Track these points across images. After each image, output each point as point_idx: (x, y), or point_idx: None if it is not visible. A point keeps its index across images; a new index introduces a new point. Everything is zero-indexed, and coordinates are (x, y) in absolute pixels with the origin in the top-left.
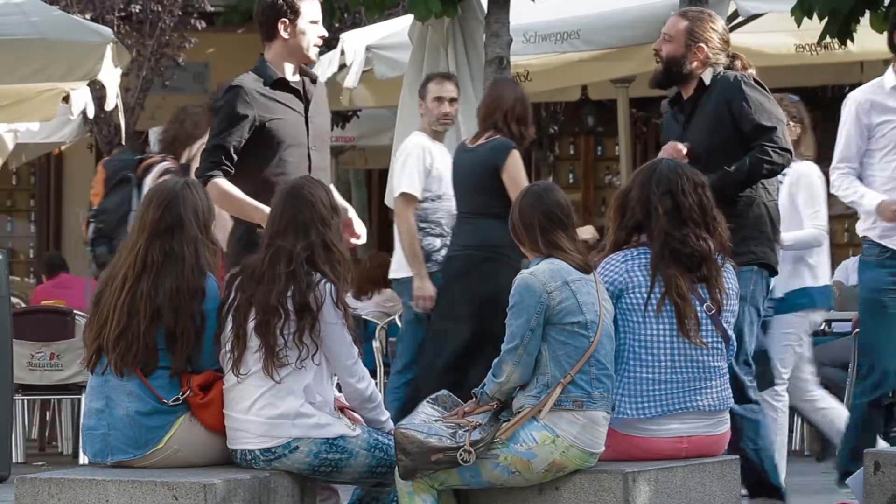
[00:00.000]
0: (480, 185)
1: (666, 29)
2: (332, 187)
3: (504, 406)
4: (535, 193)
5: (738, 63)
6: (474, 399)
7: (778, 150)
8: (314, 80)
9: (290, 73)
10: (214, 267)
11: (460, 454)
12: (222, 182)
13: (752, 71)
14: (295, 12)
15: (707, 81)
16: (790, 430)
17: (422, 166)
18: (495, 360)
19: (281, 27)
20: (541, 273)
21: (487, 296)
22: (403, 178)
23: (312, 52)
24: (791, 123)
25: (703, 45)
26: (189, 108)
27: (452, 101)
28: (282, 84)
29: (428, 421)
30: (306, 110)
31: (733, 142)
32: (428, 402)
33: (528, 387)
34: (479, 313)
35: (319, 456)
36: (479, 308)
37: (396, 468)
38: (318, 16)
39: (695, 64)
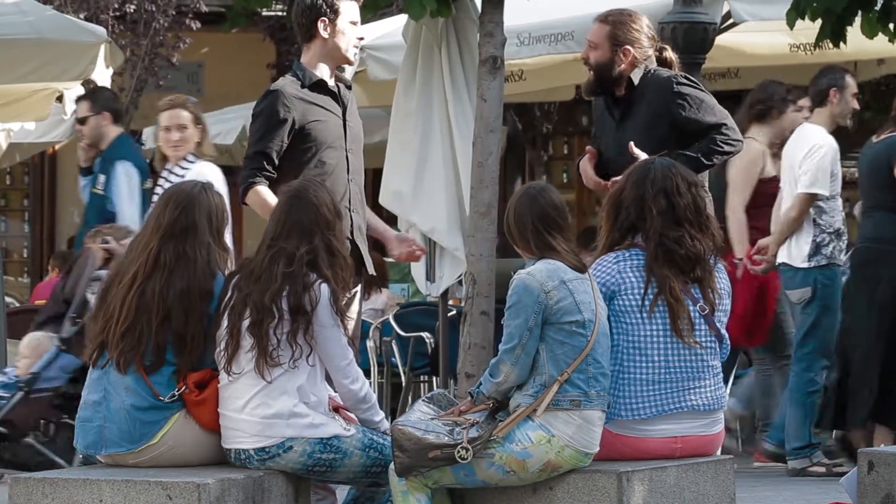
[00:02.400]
0: (876, 179)
1: (590, 36)
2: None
3: (500, 406)
4: (531, 195)
5: (666, 55)
6: (470, 398)
7: (730, 142)
8: (349, 87)
9: (327, 75)
10: (226, 268)
11: (458, 451)
12: (263, 190)
13: (674, 62)
14: (335, 12)
15: (636, 80)
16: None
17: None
18: (492, 360)
19: (321, 26)
20: (538, 273)
21: (885, 287)
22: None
23: (351, 53)
24: (190, 126)
25: (628, 46)
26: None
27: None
28: (320, 86)
29: (424, 419)
30: (343, 113)
31: (668, 140)
32: (423, 400)
33: (525, 386)
34: (877, 303)
35: (313, 456)
36: (877, 298)
37: (392, 466)
38: (358, 17)
39: (623, 66)
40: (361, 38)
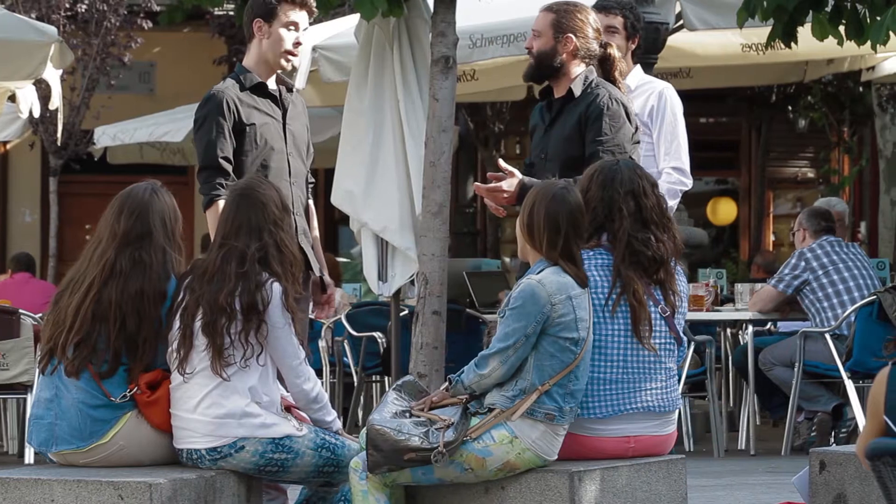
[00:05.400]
0: None
1: (534, 25)
2: (311, 203)
3: (472, 397)
4: (562, 196)
5: (610, 52)
6: (448, 384)
7: None
8: (290, 89)
9: (266, 77)
10: (179, 271)
11: (434, 456)
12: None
13: (621, 66)
14: (271, 13)
15: (577, 92)
16: (735, 430)
17: None
18: (482, 353)
19: (256, 27)
20: (549, 284)
21: None
22: None
23: (284, 61)
24: None
25: (570, 35)
26: None
27: None
28: (260, 89)
29: (398, 414)
30: (284, 117)
31: (578, 159)
32: (394, 389)
33: (504, 386)
34: None
35: (265, 456)
36: None
37: (351, 465)
38: (299, 20)
39: (565, 56)
40: (299, 44)
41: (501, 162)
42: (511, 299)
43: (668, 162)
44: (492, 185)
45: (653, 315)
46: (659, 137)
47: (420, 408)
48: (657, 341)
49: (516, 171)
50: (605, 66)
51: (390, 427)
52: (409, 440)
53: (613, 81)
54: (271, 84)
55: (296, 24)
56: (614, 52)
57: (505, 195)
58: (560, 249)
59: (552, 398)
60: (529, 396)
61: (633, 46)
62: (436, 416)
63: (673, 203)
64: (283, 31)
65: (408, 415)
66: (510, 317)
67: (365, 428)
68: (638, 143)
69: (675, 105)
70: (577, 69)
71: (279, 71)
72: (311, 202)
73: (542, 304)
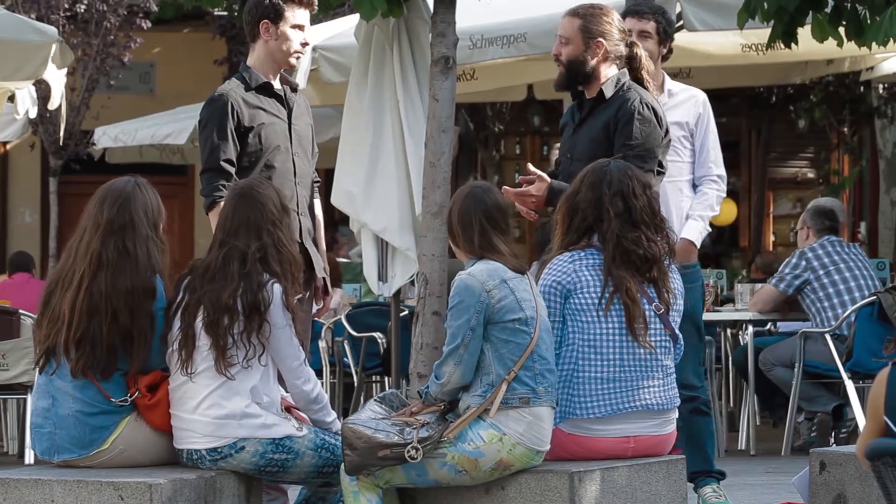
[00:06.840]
0: None
1: (561, 31)
2: (318, 203)
3: (450, 407)
4: (476, 194)
5: (636, 51)
6: (420, 398)
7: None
8: (294, 89)
9: (272, 77)
10: (164, 266)
11: (408, 451)
12: None
13: (648, 66)
14: (279, 15)
15: (608, 94)
16: (735, 430)
17: None
18: (436, 362)
19: (262, 29)
20: (478, 273)
21: None
22: None
23: (293, 58)
24: None
25: (601, 39)
26: None
27: None
28: (265, 89)
29: (375, 418)
30: (289, 116)
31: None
32: (375, 400)
33: (472, 387)
34: None
35: (265, 456)
36: None
37: (342, 465)
38: (304, 21)
39: (596, 60)
40: (306, 44)
41: (531, 166)
42: (449, 301)
43: (715, 170)
44: (521, 188)
45: (647, 313)
46: (705, 145)
47: (399, 416)
48: (653, 339)
49: (545, 175)
50: (632, 65)
51: (364, 425)
52: (382, 437)
53: (640, 81)
54: (276, 84)
55: (302, 25)
56: (640, 51)
57: (533, 199)
58: (478, 245)
59: (522, 383)
60: (500, 388)
61: (665, 51)
62: (412, 419)
63: (718, 209)
64: (290, 31)
65: (386, 421)
66: (451, 316)
67: None
68: (668, 146)
69: None
70: (609, 71)
71: (283, 70)
72: (318, 203)
73: (477, 293)
